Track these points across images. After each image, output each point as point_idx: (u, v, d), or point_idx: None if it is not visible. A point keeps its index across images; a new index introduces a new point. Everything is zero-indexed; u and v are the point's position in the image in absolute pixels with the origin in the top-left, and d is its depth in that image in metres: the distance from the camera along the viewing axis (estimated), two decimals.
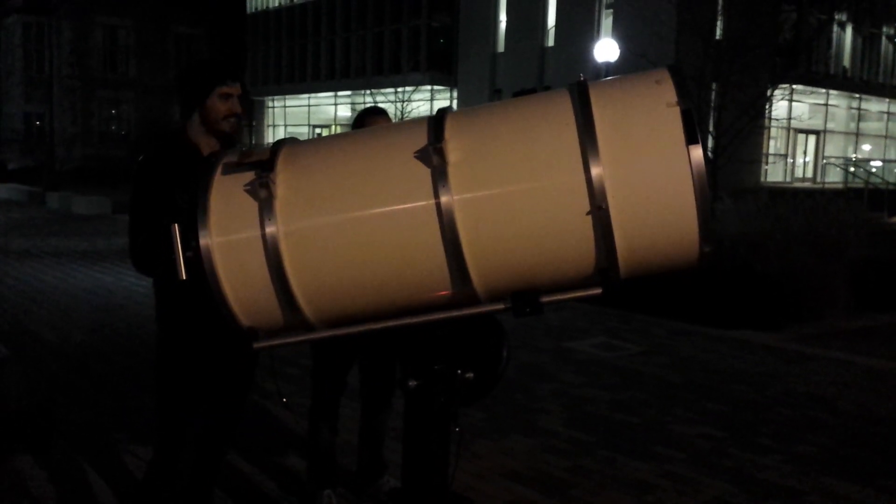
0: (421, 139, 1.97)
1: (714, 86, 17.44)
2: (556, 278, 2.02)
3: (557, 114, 1.95)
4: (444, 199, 1.90)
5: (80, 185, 28.85)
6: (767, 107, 18.74)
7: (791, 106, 25.90)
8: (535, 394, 5.81)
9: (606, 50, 19.51)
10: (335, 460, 3.96)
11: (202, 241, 2.02)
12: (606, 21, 28.64)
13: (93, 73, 42.78)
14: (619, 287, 2.00)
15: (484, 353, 2.37)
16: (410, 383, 2.38)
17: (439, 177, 1.91)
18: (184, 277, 2.04)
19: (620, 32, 25.05)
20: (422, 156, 1.95)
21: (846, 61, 33.90)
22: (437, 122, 2.01)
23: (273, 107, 46.18)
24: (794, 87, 23.19)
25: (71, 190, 25.36)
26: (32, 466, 4.34)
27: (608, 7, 28.64)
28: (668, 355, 7.09)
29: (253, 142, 44.29)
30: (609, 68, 18.72)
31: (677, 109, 1.85)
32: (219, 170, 2.10)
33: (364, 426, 4.05)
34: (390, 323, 2.15)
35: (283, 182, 2.02)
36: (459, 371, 2.36)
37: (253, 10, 45.59)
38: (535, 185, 1.92)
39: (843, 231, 10.18)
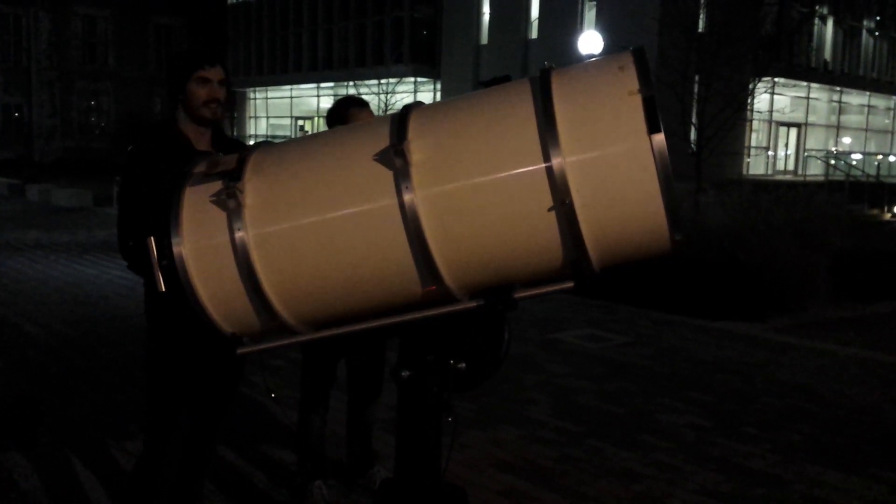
0: (385, 139, 1.97)
1: (697, 78, 17.51)
2: (528, 273, 2.01)
3: (518, 106, 1.93)
4: (406, 197, 1.89)
5: (61, 177, 28.58)
6: (750, 100, 18.84)
7: (773, 99, 26.06)
8: (522, 384, 5.83)
9: (590, 42, 19.54)
10: (325, 452, 3.95)
11: (175, 250, 2.03)
12: (590, 13, 28.67)
13: (71, 65, 42.31)
14: (593, 278, 1.98)
15: (484, 336, 2.37)
16: (403, 374, 2.38)
17: (402, 177, 1.90)
18: (163, 289, 2.07)
19: (604, 24, 25.09)
20: (384, 157, 1.94)
21: (827, 54, 34.14)
22: (400, 120, 2.00)
23: (255, 98, 45.90)
24: (776, 80, 23.31)
25: (51, 182, 25.12)
26: (19, 460, 4.31)
27: None
28: (653, 346, 7.13)
29: (235, 133, 44.06)
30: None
31: (639, 97, 1.81)
32: (190, 179, 2.12)
33: (352, 417, 4.06)
34: (372, 324, 2.15)
35: (252, 190, 2.03)
36: (452, 361, 2.36)
37: (234, 1, 45.23)
38: (495, 179, 1.89)
39: (825, 223, 10.29)
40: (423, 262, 1.93)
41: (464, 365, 2.38)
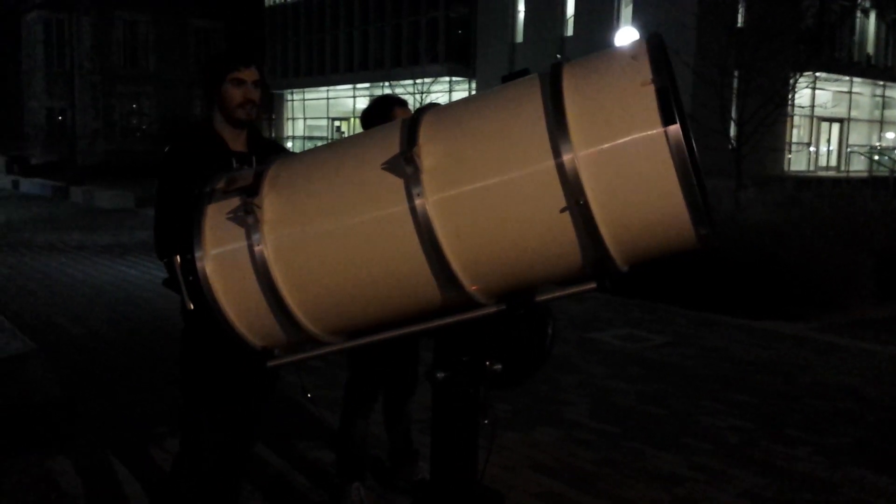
0: (397, 145, 1.93)
1: (737, 74, 17.25)
2: (549, 275, 1.96)
3: (527, 103, 1.87)
4: (418, 203, 1.85)
5: (103, 179, 29.07)
6: (791, 95, 18.52)
7: (814, 94, 25.61)
8: (559, 385, 5.77)
9: (626, 38, 19.36)
10: (366, 453, 3.95)
11: (199, 266, 2.05)
12: (626, 9, 28.41)
13: (113, 68, 43.04)
14: (618, 277, 1.91)
15: (525, 333, 2.34)
16: (438, 375, 2.36)
17: (413, 183, 1.86)
18: (191, 307, 2.08)
19: (641, 20, 24.85)
20: (395, 164, 1.90)
21: (870, 48, 33.46)
22: (411, 125, 1.96)
23: (292, 100, 46.27)
24: (818, 74, 22.89)
25: (94, 184, 25.54)
26: (58, 458, 4.36)
27: None
28: (693, 346, 7.02)
29: (273, 134, 44.45)
30: None
31: (652, 88, 1.72)
32: (212, 196, 2.13)
33: (389, 415, 4.05)
34: (400, 331, 2.13)
35: (269, 204, 2.03)
36: (488, 363, 2.33)
37: (271, 3, 45.64)
38: (505, 180, 1.83)
39: (869, 220, 10.06)
40: (440, 268, 1.90)
41: (500, 367, 2.36)
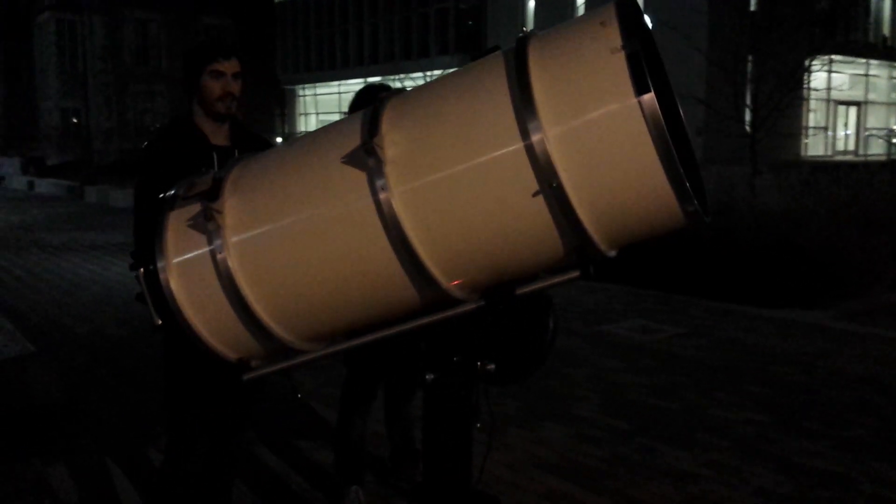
0: (359, 137, 1.81)
1: (750, 58, 16.97)
2: (529, 265, 1.83)
3: (492, 81, 1.74)
4: (382, 196, 1.73)
5: (118, 178, 29.15)
6: (806, 78, 18.22)
7: (830, 77, 25.22)
8: (569, 380, 5.63)
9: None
10: (364, 454, 3.83)
11: (162, 277, 1.94)
12: None
13: (125, 68, 43.18)
14: (605, 263, 1.79)
15: (523, 328, 2.21)
16: (428, 376, 2.24)
17: (376, 175, 1.74)
18: (158, 322, 1.98)
19: (652, 5, 24.54)
20: (355, 156, 1.78)
21: (886, 30, 32.93)
22: (373, 114, 1.83)
23: (304, 95, 46.21)
24: (833, 57, 22.53)
25: (109, 183, 25.60)
26: (56, 464, 4.27)
27: None
28: (708, 337, 6.86)
29: (286, 130, 44.45)
30: None
31: (622, 55, 1.58)
32: (174, 202, 2.02)
33: (389, 413, 3.94)
34: (383, 333, 2.00)
35: (230, 209, 1.92)
36: (479, 363, 2.21)
37: None
38: (472, 167, 1.70)
39: (888, 204, 9.84)
40: (412, 264, 1.77)
41: (493, 366, 2.23)
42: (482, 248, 1.78)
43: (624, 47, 1.60)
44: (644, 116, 1.56)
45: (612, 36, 1.62)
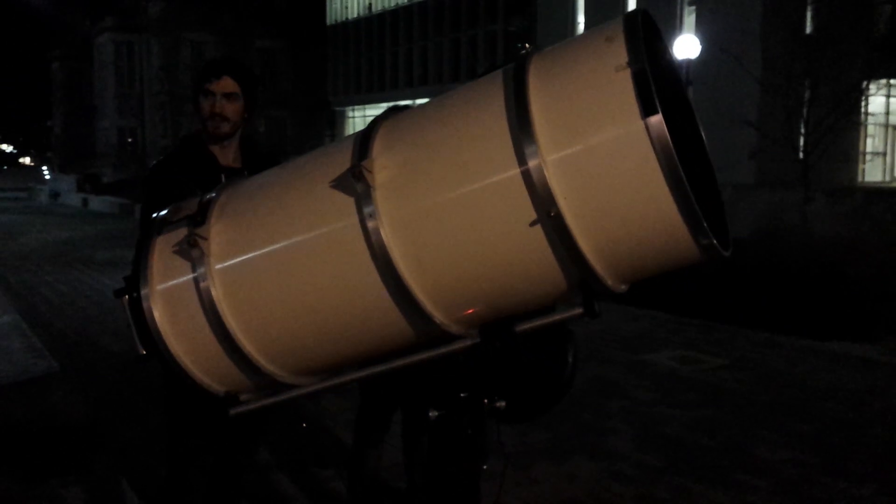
0: (349, 160, 1.68)
1: (807, 83, 16.56)
2: (529, 300, 1.67)
3: (488, 102, 1.59)
4: (370, 225, 1.60)
5: None
6: (863, 102, 17.74)
7: (888, 101, 24.55)
8: (603, 411, 5.41)
9: (687, 46, 18.81)
10: (379, 485, 3.69)
11: (145, 306, 1.83)
12: (689, 17, 27.75)
13: (181, 88, 44.08)
14: (611, 297, 1.63)
15: (544, 358, 2.06)
16: (431, 414, 2.08)
17: (364, 202, 1.60)
18: (142, 352, 1.86)
19: (704, 28, 24.18)
20: (344, 181, 1.65)
21: None
22: (364, 136, 1.70)
23: (353, 117, 46.64)
24: (892, 81, 21.92)
25: None
26: (72, 486, 4.20)
27: (691, 3, 27.74)
28: (753, 370, 6.57)
29: None
30: (690, 65, 18.01)
31: (627, 73, 1.44)
32: (161, 226, 1.91)
33: (408, 446, 3.78)
34: (377, 369, 1.87)
35: (217, 235, 1.80)
36: (486, 400, 2.05)
37: (333, 22, 46.22)
38: (465, 194, 1.56)
39: None
40: (402, 297, 1.63)
41: (503, 403, 2.07)
42: (477, 281, 1.64)
43: (630, 64, 1.44)
44: (651, 140, 1.41)
45: (618, 52, 1.47)
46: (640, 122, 1.41)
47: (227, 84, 2.78)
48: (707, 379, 6.29)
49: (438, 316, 1.66)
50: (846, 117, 15.79)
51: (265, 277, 1.78)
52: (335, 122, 46.95)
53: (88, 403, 5.02)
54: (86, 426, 4.69)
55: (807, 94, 16.29)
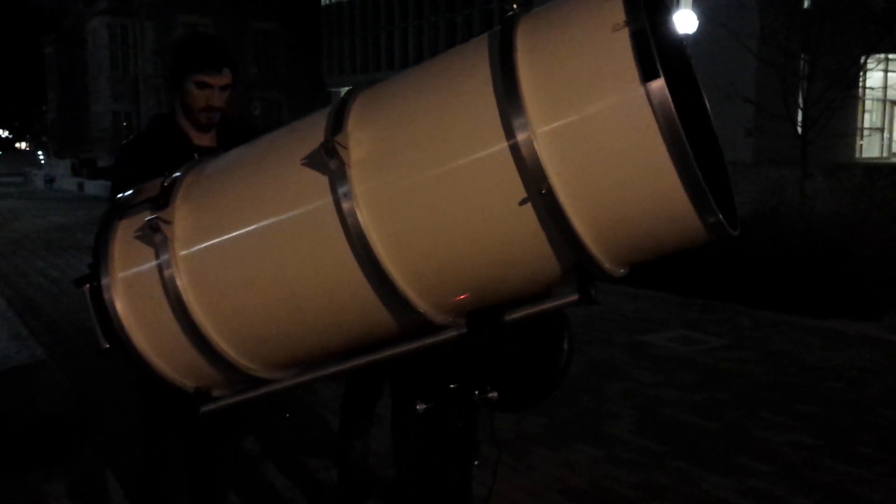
0: (322, 134, 1.54)
1: (803, 56, 16.36)
2: (519, 287, 1.54)
3: (473, 68, 1.45)
4: (345, 206, 1.46)
5: None
6: (861, 77, 17.54)
7: (887, 77, 24.35)
8: (603, 394, 5.30)
9: (684, 21, 18.57)
10: (367, 477, 3.58)
11: (107, 297, 1.69)
12: None
13: None
14: (610, 281, 1.50)
15: (538, 346, 1.93)
16: (419, 407, 1.96)
17: (338, 180, 1.47)
18: (105, 346, 1.74)
19: (702, 3, 23.94)
20: (317, 158, 1.51)
21: None
22: (339, 108, 1.56)
23: None
24: (890, 56, 21.70)
25: None
26: (55, 480, 4.09)
27: None
28: (754, 349, 6.46)
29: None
30: (688, 41, 17.74)
31: (625, 33, 1.30)
32: (124, 209, 1.78)
33: (396, 438, 3.67)
34: (358, 361, 1.75)
35: (182, 219, 1.66)
36: (477, 392, 1.92)
37: (327, 2, 45.82)
38: (448, 171, 1.43)
39: None
40: (382, 284, 1.50)
41: (496, 394, 1.95)
42: (462, 267, 1.50)
43: (628, 24, 1.30)
44: (652, 107, 1.27)
45: (614, 10, 1.33)
46: (640, 88, 1.27)
47: (225, 76, 2.65)
48: (708, 359, 6.18)
49: (421, 304, 1.54)
50: (844, 93, 15.60)
51: (233, 264, 1.64)
52: (331, 103, 46.61)
53: (75, 393, 4.88)
54: (71, 417, 4.56)
55: (804, 69, 16.11)
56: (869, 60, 17.87)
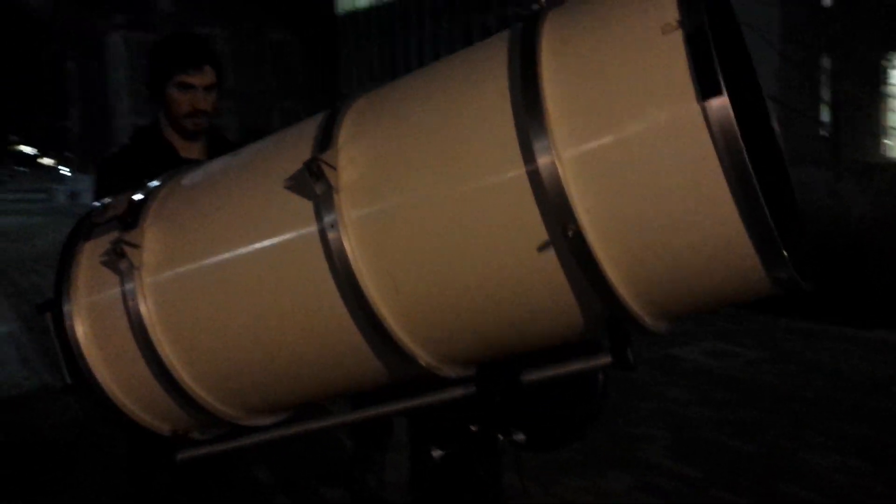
0: (308, 150, 1.30)
1: (826, 53, 16.00)
2: (536, 341, 1.29)
3: (489, 75, 1.19)
4: (331, 237, 1.22)
5: None
6: (889, 75, 17.13)
7: None
8: (635, 415, 5.04)
9: None
10: None
11: (68, 325, 1.50)
12: None
13: None
14: (645, 335, 1.25)
15: (572, 380, 1.70)
16: (434, 453, 1.72)
17: (324, 208, 1.23)
18: (68, 381, 1.54)
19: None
20: (301, 179, 1.26)
21: None
22: (328, 119, 1.33)
23: None
24: None
25: None
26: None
27: None
28: (792, 362, 6.16)
29: None
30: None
31: (679, 35, 1.03)
32: (91, 229, 1.57)
33: (415, 470, 3.44)
34: (352, 417, 1.54)
35: (151, 241, 1.45)
36: (501, 436, 1.69)
37: (342, 11, 45.92)
38: (452, 197, 1.17)
39: None
40: (374, 330, 1.27)
41: (523, 437, 1.71)
42: (468, 315, 1.25)
43: (682, 24, 1.03)
44: (710, 132, 1.00)
45: (665, 7, 1.06)
46: (696, 105, 1.00)
47: (208, 75, 2.45)
48: (743, 375, 5.89)
49: (421, 354, 1.29)
50: (875, 91, 15.22)
51: (205, 296, 1.41)
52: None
53: (82, 420, 4.70)
54: (72, 444, 4.38)
55: (829, 67, 15.76)
56: (893, 58, 17.46)
